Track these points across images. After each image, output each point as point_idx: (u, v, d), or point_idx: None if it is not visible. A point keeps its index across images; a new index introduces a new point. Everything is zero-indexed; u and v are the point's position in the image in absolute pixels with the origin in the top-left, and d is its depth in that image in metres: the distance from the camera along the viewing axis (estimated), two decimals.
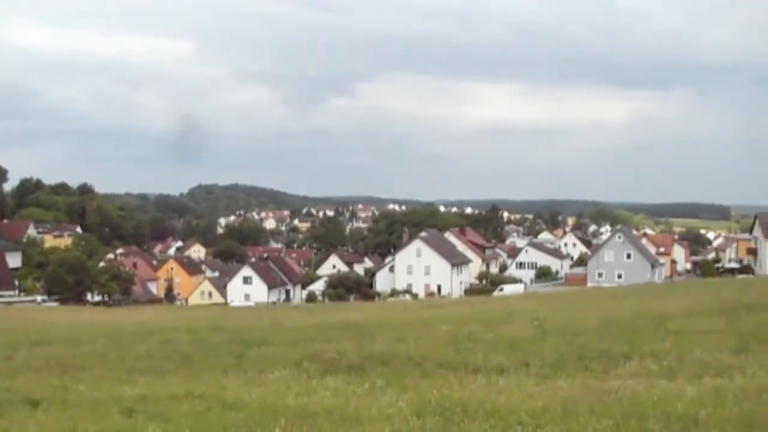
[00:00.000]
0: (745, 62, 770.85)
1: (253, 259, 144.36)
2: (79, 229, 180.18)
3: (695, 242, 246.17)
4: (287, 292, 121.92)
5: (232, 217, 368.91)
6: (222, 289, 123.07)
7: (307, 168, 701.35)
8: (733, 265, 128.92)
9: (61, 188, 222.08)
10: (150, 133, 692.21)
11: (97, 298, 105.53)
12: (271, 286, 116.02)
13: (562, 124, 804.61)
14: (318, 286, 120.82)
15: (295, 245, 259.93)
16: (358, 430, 10.27)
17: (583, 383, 13.71)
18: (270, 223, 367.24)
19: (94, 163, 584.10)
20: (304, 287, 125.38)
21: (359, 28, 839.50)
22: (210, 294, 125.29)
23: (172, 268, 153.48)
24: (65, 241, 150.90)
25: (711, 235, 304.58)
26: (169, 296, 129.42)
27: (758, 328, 21.57)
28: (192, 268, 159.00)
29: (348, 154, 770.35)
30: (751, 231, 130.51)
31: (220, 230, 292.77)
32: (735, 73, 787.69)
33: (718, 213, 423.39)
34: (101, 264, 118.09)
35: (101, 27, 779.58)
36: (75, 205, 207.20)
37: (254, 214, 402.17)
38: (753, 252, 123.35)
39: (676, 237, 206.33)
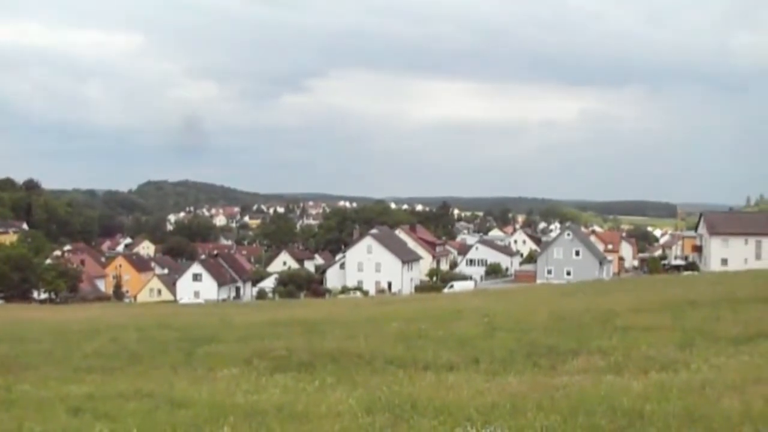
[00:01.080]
0: (694, 63, 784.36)
1: (202, 256, 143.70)
2: (25, 226, 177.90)
3: (642, 239, 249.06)
4: (237, 290, 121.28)
5: (182, 214, 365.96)
6: (171, 286, 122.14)
7: (259, 164, 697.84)
8: (679, 262, 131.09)
9: (7, 184, 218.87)
10: (98, 127, 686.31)
11: (44, 296, 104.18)
12: (221, 284, 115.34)
13: (513, 122, 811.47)
14: (268, 283, 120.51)
15: (246, 242, 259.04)
16: (307, 428, 10.24)
17: (531, 379, 13.82)
18: (220, 220, 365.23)
19: (41, 158, 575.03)
20: (254, 284, 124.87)
21: (312, 24, 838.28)
22: (159, 291, 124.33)
23: (120, 265, 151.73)
24: (10, 238, 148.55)
25: (658, 233, 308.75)
26: (118, 294, 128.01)
27: (702, 323, 21.94)
28: (141, 265, 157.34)
29: (299, 150, 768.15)
30: (696, 228, 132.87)
31: (169, 227, 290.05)
32: (684, 73, 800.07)
33: (665, 211, 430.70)
34: (48, 261, 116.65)
35: (47, 19, 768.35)
36: (21, 200, 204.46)
37: (204, 210, 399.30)
38: (698, 249, 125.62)
39: (623, 234, 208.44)
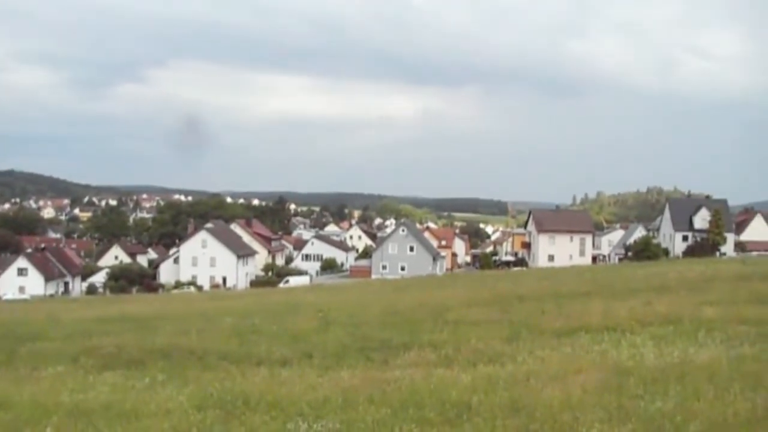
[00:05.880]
0: (527, 65, 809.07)
1: (29, 250, 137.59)
2: None
3: (475, 236, 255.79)
4: (66, 285, 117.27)
5: (7, 206, 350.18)
6: None
7: (91, 155, 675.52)
8: (509, 258, 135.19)
9: None
10: None
11: None
12: (48, 278, 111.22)
13: (352, 118, 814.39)
14: (99, 278, 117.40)
15: (76, 235, 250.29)
16: (135, 426, 10.03)
17: (364, 373, 13.99)
18: (48, 212, 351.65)
19: None
20: (84, 279, 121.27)
21: (151, 13, 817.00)
22: None
23: None
24: None
25: (489, 230, 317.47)
26: None
27: (529, 317, 22.76)
28: None
29: (134, 142, 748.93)
30: (525, 226, 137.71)
31: None
32: (517, 76, 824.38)
33: (497, 208, 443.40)
34: None
35: None
36: None
37: (31, 202, 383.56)
38: (527, 246, 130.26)
39: (457, 231, 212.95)
